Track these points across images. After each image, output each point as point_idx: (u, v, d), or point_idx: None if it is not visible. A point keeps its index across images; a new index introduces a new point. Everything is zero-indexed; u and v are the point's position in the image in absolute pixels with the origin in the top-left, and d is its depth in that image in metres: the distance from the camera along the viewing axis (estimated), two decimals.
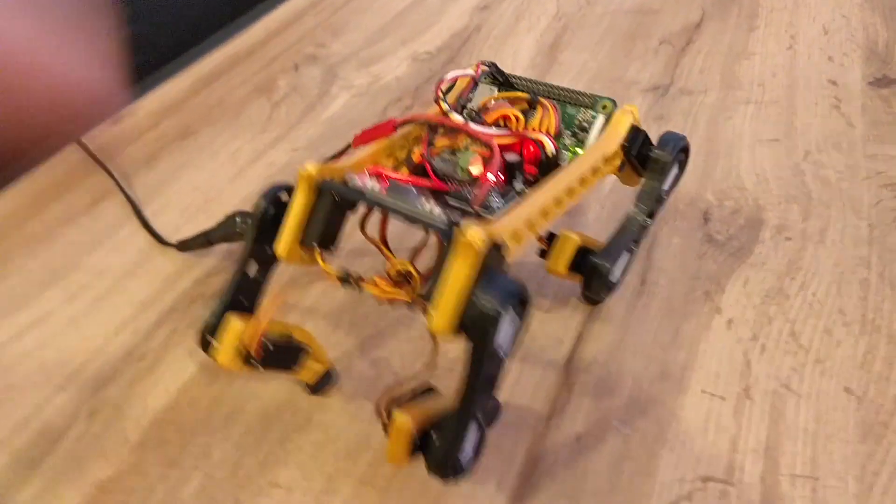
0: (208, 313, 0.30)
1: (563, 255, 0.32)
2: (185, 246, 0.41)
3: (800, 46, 0.56)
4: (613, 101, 0.33)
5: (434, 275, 0.25)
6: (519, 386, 0.33)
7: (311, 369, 0.31)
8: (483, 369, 0.24)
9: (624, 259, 0.33)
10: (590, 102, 0.33)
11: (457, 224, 0.25)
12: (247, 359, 0.29)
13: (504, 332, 0.24)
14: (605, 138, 0.32)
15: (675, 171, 0.34)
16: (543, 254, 0.33)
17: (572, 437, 0.30)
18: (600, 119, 0.33)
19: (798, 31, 0.58)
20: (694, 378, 0.32)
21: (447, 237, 0.25)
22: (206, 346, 0.30)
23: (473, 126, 0.31)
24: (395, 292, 0.28)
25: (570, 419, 0.31)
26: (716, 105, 0.50)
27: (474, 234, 0.24)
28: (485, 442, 0.27)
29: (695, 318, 0.35)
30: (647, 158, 0.33)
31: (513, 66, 0.58)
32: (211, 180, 0.48)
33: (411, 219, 0.27)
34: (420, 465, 0.26)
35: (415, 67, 0.61)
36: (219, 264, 0.40)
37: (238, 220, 0.38)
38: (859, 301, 0.35)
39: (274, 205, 0.30)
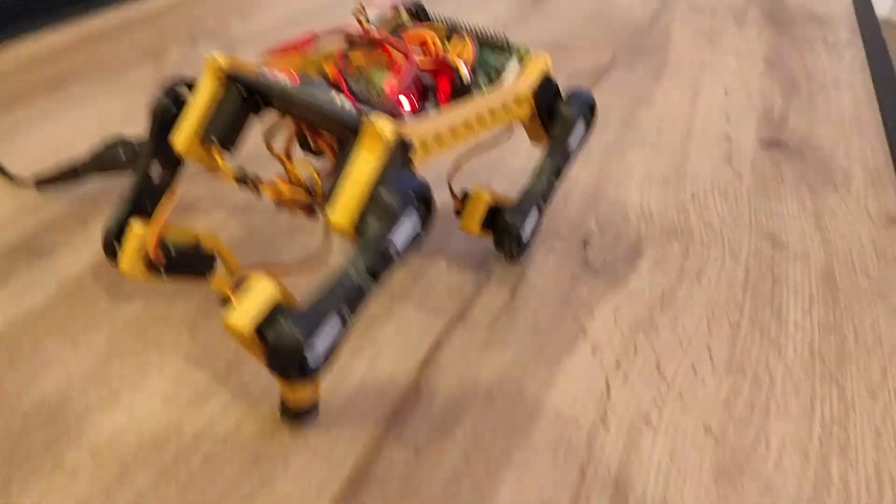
0: (110, 218, 0.28)
1: (475, 214, 0.32)
2: (44, 182, 0.36)
3: (701, 102, 0.56)
4: (528, 50, 0.33)
5: (336, 173, 0.24)
6: (364, 387, 0.29)
7: (224, 280, 0.28)
8: (356, 272, 0.23)
9: (534, 217, 0.33)
10: (505, 46, 0.33)
11: (366, 115, 0.24)
12: (151, 266, 0.28)
13: (402, 232, 0.23)
14: (519, 80, 0.32)
15: (581, 127, 0.34)
16: (458, 213, 0.33)
17: (412, 449, 0.27)
18: (514, 63, 0.33)
19: (701, 88, 0.59)
20: (550, 400, 0.30)
21: (354, 128, 0.24)
22: (111, 253, 0.28)
23: (393, 42, 0.30)
24: (296, 192, 0.27)
25: (412, 429, 0.28)
26: (612, 142, 0.49)
27: (384, 125, 0.23)
28: (339, 348, 0.24)
29: (560, 339, 0.33)
30: (554, 112, 0.33)
31: None
32: (69, 134, 0.43)
33: (320, 113, 0.25)
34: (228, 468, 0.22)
35: None
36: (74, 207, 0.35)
37: (120, 149, 0.34)
38: (728, 342, 0.33)
39: (175, 102, 0.28)
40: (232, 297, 0.24)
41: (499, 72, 0.33)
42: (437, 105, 0.30)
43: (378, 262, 0.23)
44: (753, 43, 0.69)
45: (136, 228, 0.27)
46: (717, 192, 0.44)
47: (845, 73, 0.64)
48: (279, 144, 0.29)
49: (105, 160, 0.34)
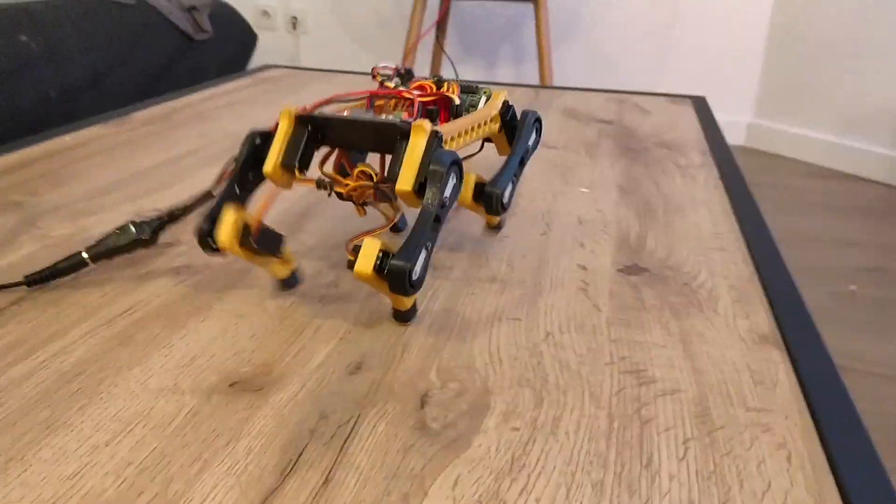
0: (203, 216, 0.38)
1: (468, 189, 0.44)
2: (36, 281, 0.42)
3: (554, 233, 0.53)
4: (491, 90, 0.48)
5: (394, 162, 0.37)
6: None
7: (283, 264, 0.41)
8: (431, 206, 0.36)
9: (511, 186, 0.45)
10: (474, 89, 0.48)
11: (409, 122, 0.37)
12: (242, 241, 0.37)
13: (449, 186, 0.37)
14: (490, 105, 0.47)
15: (534, 135, 0.48)
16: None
17: None
18: (483, 98, 0.47)
19: (554, 219, 0.55)
20: None
21: (405, 131, 0.37)
22: (204, 238, 0.38)
23: (404, 89, 0.43)
24: (362, 183, 0.39)
25: None
26: (460, 280, 0.44)
27: (425, 122, 0.37)
28: (428, 268, 0.37)
29: None
30: (513, 125, 0.48)
31: None
32: None
33: (378, 126, 0.38)
34: None
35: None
36: None
37: (133, 227, 0.44)
38: None
39: (259, 138, 0.41)
40: (352, 258, 0.35)
41: (474, 106, 0.47)
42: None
43: (439, 208, 0.36)
44: (607, 172, 0.68)
45: (232, 211, 0.37)
46: (573, 328, 0.40)
47: (700, 192, 0.63)
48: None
49: (125, 239, 0.43)
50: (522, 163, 0.46)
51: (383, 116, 0.40)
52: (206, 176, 0.62)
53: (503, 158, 0.47)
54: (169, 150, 0.70)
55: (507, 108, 0.47)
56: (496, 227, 0.51)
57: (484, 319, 0.40)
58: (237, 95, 0.93)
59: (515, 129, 0.47)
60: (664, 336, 0.39)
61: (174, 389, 0.33)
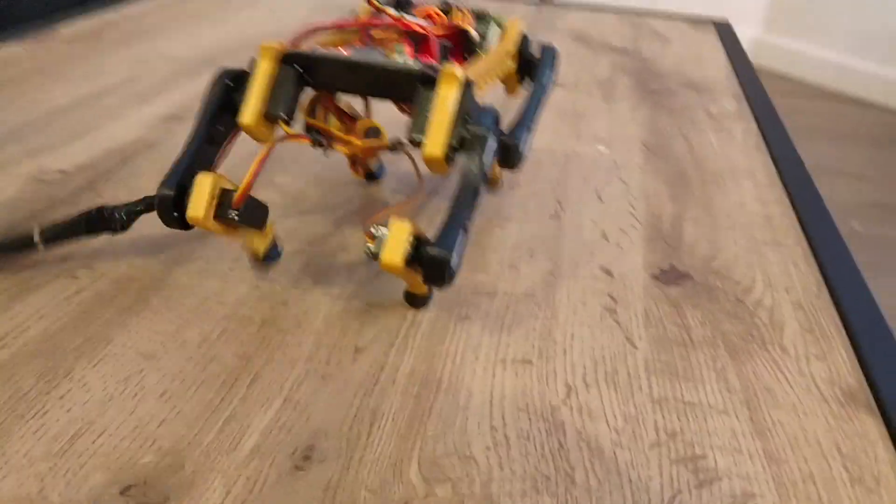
0: (166, 181, 0.30)
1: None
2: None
3: (568, 215, 0.42)
4: (503, 17, 0.39)
5: (416, 118, 0.30)
6: None
7: (263, 236, 0.32)
8: (474, 180, 0.29)
9: (529, 135, 0.35)
10: (486, 16, 0.38)
11: (433, 67, 0.30)
12: (217, 213, 0.30)
13: (489, 152, 0.30)
14: (507, 40, 0.38)
15: (550, 73, 0.40)
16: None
17: None
18: (494, 28, 0.38)
19: (567, 192, 0.45)
20: None
21: (430, 79, 0.30)
22: (168, 210, 0.30)
23: (409, 18, 0.35)
24: (373, 142, 0.35)
25: None
26: (449, 293, 0.34)
27: (456, 69, 0.29)
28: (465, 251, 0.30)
29: None
30: (532, 60, 0.40)
31: None
32: None
33: (391, 71, 0.31)
34: None
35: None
36: None
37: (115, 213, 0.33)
38: None
39: (232, 81, 0.32)
40: (371, 242, 0.29)
41: (483, 36, 0.38)
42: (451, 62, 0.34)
43: (481, 180, 0.30)
44: (627, 123, 0.56)
45: (205, 179, 0.29)
46: (602, 377, 0.30)
47: (740, 154, 0.52)
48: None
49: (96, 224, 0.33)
50: (540, 101, 0.39)
51: (396, 57, 0.33)
52: (135, 121, 0.50)
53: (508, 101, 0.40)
54: (93, 79, 0.57)
55: (524, 42, 0.40)
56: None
57: (482, 363, 0.30)
58: (184, 7, 0.79)
59: (530, 66, 0.40)
60: (723, 392, 0.29)
61: (38, 500, 0.23)
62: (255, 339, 0.30)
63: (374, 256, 0.29)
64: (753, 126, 0.58)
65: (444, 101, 0.29)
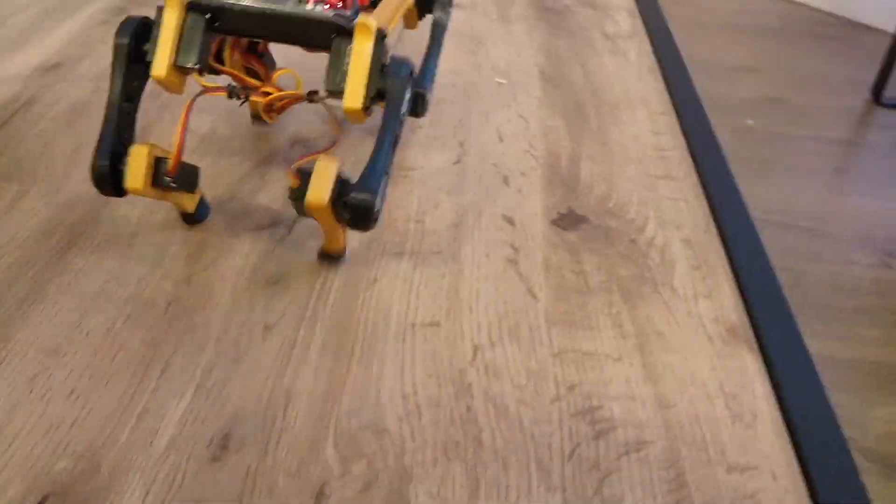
0: (100, 152, 0.30)
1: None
2: None
3: (470, 158, 0.43)
4: None
5: (333, 69, 0.31)
6: None
7: (192, 197, 0.34)
8: (394, 127, 0.31)
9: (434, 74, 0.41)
10: None
11: (347, 17, 0.30)
12: (155, 181, 0.31)
13: (407, 102, 0.31)
14: None
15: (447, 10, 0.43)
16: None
17: None
18: None
19: (469, 134, 0.45)
20: None
21: (345, 30, 0.30)
22: (106, 182, 0.31)
23: None
24: (291, 93, 0.34)
25: None
26: (358, 251, 0.34)
27: (370, 21, 0.30)
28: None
29: None
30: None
31: None
32: None
33: (304, 21, 0.31)
34: None
35: None
36: None
37: None
38: None
39: (134, 35, 0.31)
40: (297, 182, 0.29)
41: None
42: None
43: (399, 125, 0.31)
44: (525, 49, 0.56)
45: (140, 150, 0.30)
46: (506, 333, 0.31)
47: (634, 79, 0.53)
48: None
49: None
50: (443, 31, 0.42)
51: (311, 5, 0.32)
52: (7, 74, 0.47)
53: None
54: None
55: None
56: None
57: (393, 329, 0.31)
58: None
59: (427, 1, 0.42)
60: (617, 339, 0.31)
61: None
62: (162, 323, 0.30)
63: (299, 196, 0.29)
64: (647, 46, 0.58)
65: (361, 54, 0.30)
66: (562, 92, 0.51)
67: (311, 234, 0.36)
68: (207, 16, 0.31)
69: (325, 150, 0.37)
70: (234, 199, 0.38)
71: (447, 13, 0.42)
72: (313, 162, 0.30)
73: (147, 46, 0.31)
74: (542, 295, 0.33)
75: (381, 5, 0.34)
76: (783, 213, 1.08)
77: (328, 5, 0.33)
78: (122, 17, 0.54)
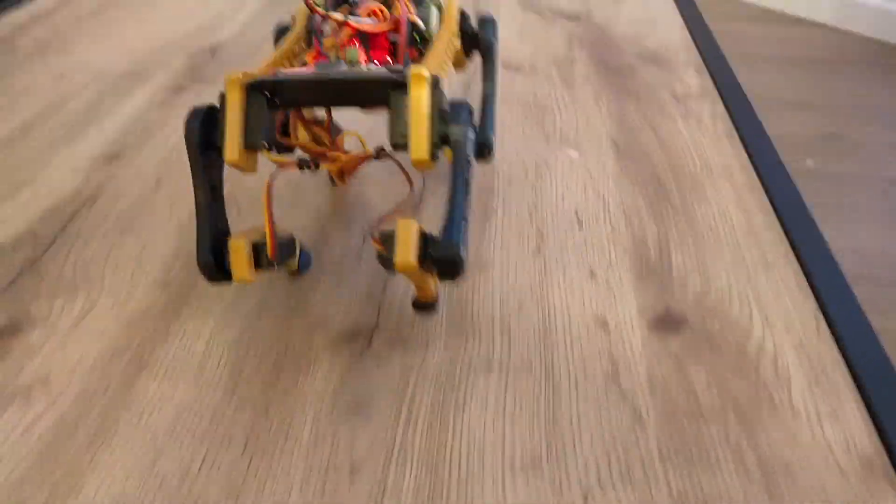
0: (202, 249, 0.31)
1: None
2: None
3: (550, 248, 0.40)
4: None
5: (395, 123, 0.30)
6: None
7: (292, 260, 0.35)
8: (464, 172, 0.30)
9: (494, 122, 0.42)
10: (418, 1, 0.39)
11: (400, 71, 0.31)
12: (257, 265, 0.32)
13: (470, 142, 0.31)
14: (449, 20, 0.39)
15: (495, 45, 0.43)
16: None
17: None
18: (434, 9, 0.39)
19: (545, 217, 0.42)
20: None
21: (400, 84, 0.30)
22: (212, 274, 0.31)
23: (354, 20, 0.35)
24: (359, 154, 0.35)
25: None
26: (442, 367, 0.32)
27: (422, 69, 0.30)
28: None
29: None
30: (474, 36, 0.42)
31: None
32: None
33: (361, 82, 0.31)
34: None
35: None
36: None
37: None
38: None
39: (203, 124, 0.31)
40: (381, 247, 0.30)
41: (425, 21, 0.38)
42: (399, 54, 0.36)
43: (469, 168, 0.31)
44: (593, 115, 0.54)
45: (238, 244, 0.31)
46: (617, 475, 0.28)
47: (712, 149, 0.50)
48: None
49: None
50: (495, 79, 0.42)
51: (365, 66, 0.34)
52: (68, 166, 0.46)
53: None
54: (10, 110, 0.52)
55: (464, 19, 0.42)
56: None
57: (489, 470, 0.28)
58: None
59: (473, 40, 0.42)
60: (742, 478, 0.28)
61: None
62: (240, 466, 0.28)
63: (387, 262, 0.30)
64: (720, 107, 0.56)
65: (419, 104, 0.30)
66: (638, 164, 0.48)
67: (392, 345, 0.33)
68: (267, 93, 0.31)
69: (403, 204, 0.39)
70: (312, 296, 0.35)
71: (495, 37, 0.43)
72: (393, 220, 0.30)
73: (216, 133, 0.32)
74: (650, 421, 0.30)
75: (428, 54, 0.35)
76: (866, 264, 1.03)
77: (378, 62, 0.35)
78: (181, 96, 0.53)
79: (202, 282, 0.37)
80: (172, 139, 0.48)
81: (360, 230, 0.41)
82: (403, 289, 0.37)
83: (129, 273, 0.37)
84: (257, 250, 0.32)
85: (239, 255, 0.31)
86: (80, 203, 0.42)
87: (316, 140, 0.37)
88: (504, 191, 0.45)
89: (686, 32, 0.69)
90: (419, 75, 0.30)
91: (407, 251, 0.29)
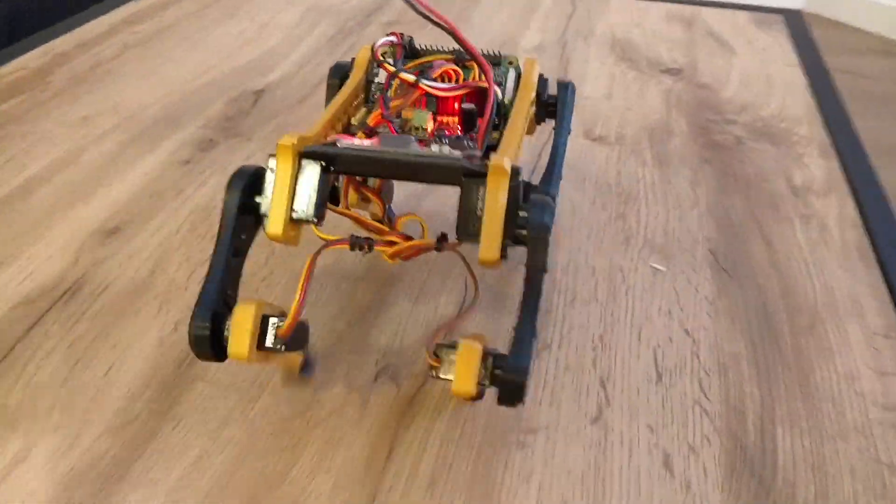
0: (199, 316, 0.27)
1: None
2: None
3: (614, 415, 0.31)
4: (516, 57, 0.37)
5: (465, 214, 0.28)
6: None
7: (297, 356, 0.31)
8: (540, 283, 0.27)
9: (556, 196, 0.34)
10: (496, 61, 0.36)
11: (475, 157, 0.28)
12: (261, 344, 0.28)
13: (546, 247, 0.27)
14: (527, 87, 0.36)
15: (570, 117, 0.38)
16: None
17: None
18: (511, 72, 0.36)
19: (612, 363, 0.33)
20: None
21: (475, 173, 0.27)
22: (205, 346, 0.27)
23: (427, 83, 0.33)
24: (420, 244, 0.31)
25: None
26: None
27: (502, 161, 0.27)
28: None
29: None
30: (548, 104, 0.38)
31: None
32: None
33: (431, 166, 0.28)
34: None
35: None
36: None
37: None
38: None
39: (243, 191, 0.28)
40: (437, 366, 0.28)
41: (501, 84, 0.36)
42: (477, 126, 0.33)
43: (543, 278, 0.28)
44: (687, 209, 0.44)
45: (246, 309, 0.27)
46: None
47: (840, 271, 0.39)
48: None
49: None
50: (566, 143, 0.37)
51: (432, 138, 0.32)
52: (64, 235, 0.39)
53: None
54: (18, 166, 0.46)
55: (542, 84, 0.38)
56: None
57: None
58: (152, 24, 0.67)
59: (549, 106, 0.38)
60: None
61: None
62: None
63: (440, 378, 0.28)
64: (851, 209, 0.45)
65: (496, 200, 0.27)
66: (741, 288, 0.38)
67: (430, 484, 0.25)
68: (323, 163, 0.28)
69: (467, 311, 0.35)
70: (339, 405, 0.27)
71: (572, 104, 0.38)
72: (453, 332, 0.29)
73: (259, 199, 0.28)
74: None
75: (506, 133, 0.32)
76: None
77: (447, 130, 0.33)
78: (208, 154, 0.46)
79: (165, 428, 0.29)
80: (182, 212, 0.41)
81: (375, 358, 0.33)
82: (412, 459, 0.28)
83: (84, 406, 0.30)
84: (266, 325, 0.27)
85: (243, 323, 0.27)
86: (59, 294, 0.36)
87: (363, 197, 0.33)
88: (564, 314, 0.36)
89: (808, 97, 0.58)
90: (500, 168, 0.27)
91: (466, 381, 0.26)
